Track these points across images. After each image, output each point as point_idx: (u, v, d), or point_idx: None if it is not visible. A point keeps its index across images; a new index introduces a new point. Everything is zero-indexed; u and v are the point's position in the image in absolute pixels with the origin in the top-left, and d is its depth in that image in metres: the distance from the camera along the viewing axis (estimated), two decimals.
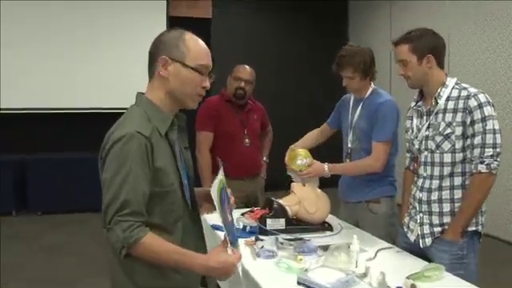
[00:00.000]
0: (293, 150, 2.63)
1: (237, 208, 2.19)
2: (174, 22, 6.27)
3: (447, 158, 2.03)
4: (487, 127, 1.94)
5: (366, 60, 2.52)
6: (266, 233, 2.33)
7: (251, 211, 2.59)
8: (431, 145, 2.08)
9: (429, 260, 2.05)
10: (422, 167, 2.13)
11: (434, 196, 2.08)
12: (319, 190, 2.55)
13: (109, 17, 6.27)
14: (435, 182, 2.07)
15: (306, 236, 2.28)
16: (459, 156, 2.02)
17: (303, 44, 7.45)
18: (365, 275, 1.78)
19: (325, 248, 2.05)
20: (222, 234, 2.34)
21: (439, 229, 2.06)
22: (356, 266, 1.85)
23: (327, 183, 2.69)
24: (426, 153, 2.11)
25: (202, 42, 1.54)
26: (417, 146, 2.16)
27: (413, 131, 2.21)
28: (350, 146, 2.66)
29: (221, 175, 1.55)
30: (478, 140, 1.95)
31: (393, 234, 2.50)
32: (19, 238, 4.99)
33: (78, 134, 6.14)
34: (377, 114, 2.51)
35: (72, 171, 5.93)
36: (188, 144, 1.68)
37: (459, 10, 5.40)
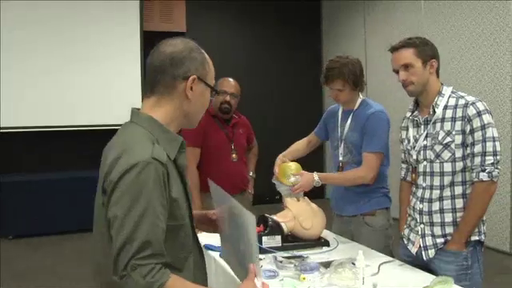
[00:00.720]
0: (283, 162, 2.55)
1: None
2: (147, 36, 6.15)
3: (447, 167, 2.00)
4: (487, 135, 1.93)
5: (356, 71, 2.46)
6: (261, 250, 2.24)
7: None
8: (430, 154, 2.05)
9: (431, 272, 2.00)
10: (421, 177, 2.09)
11: (435, 206, 2.04)
12: (314, 205, 2.47)
13: (80, 31, 6.04)
14: (436, 192, 2.04)
15: (303, 253, 2.21)
16: (459, 165, 1.99)
17: (279, 55, 7.44)
18: None
19: (326, 265, 1.98)
20: (216, 255, 2.26)
21: (442, 240, 2.02)
22: (363, 283, 1.78)
23: (314, 195, 2.56)
24: (424, 163, 2.07)
25: None
26: (414, 157, 2.12)
27: (409, 141, 2.17)
28: (341, 159, 2.59)
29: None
30: (478, 148, 1.94)
31: (391, 247, 2.45)
32: None
33: (53, 153, 5.91)
34: (367, 125, 2.46)
35: (46, 192, 5.65)
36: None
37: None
